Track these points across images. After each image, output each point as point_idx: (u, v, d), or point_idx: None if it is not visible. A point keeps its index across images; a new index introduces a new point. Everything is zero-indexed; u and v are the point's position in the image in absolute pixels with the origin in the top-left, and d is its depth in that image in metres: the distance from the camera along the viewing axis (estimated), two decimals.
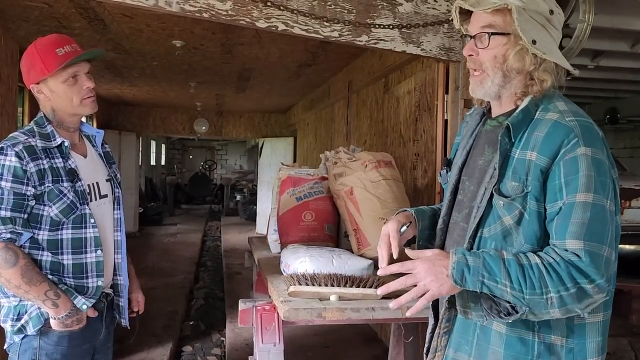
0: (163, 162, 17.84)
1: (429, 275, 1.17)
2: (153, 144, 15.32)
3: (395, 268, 1.21)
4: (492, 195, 1.24)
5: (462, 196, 1.37)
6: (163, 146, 17.71)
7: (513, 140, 1.23)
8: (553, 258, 1.12)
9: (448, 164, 1.48)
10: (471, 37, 1.29)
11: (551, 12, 1.25)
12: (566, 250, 1.12)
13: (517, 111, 1.26)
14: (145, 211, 10.58)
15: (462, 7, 1.29)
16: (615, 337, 4.00)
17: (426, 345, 1.45)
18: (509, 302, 1.14)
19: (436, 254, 1.21)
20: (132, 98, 8.56)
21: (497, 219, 1.23)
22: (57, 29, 4.04)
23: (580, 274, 1.09)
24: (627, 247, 4.69)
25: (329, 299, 1.94)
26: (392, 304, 1.24)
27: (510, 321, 1.17)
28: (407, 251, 1.28)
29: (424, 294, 1.17)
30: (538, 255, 1.14)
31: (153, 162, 15.43)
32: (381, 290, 1.25)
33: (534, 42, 1.21)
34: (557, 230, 1.15)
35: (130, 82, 6.92)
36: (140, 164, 10.99)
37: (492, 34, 1.24)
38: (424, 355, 1.45)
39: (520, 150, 1.21)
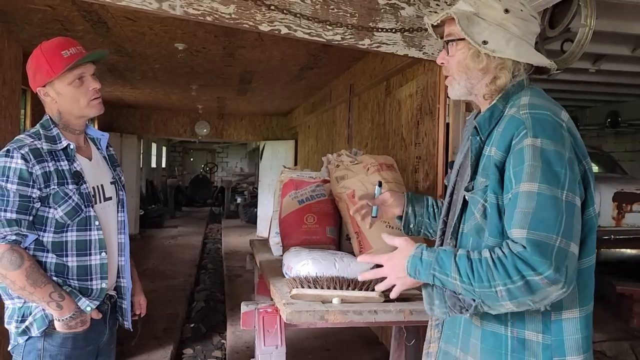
0: (164, 165, 17.85)
1: (392, 272, 1.29)
2: (154, 146, 15.33)
3: (368, 258, 1.37)
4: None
5: (455, 197, 1.41)
6: (164, 148, 17.72)
7: (484, 139, 1.28)
8: (503, 252, 1.13)
9: (452, 166, 1.53)
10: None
11: (506, 10, 1.29)
12: (515, 243, 1.12)
13: (485, 110, 1.32)
14: (145, 213, 10.58)
15: (431, 23, 1.40)
16: (616, 340, 4.00)
17: (427, 337, 1.50)
18: (472, 299, 1.17)
19: (401, 248, 1.29)
20: (133, 100, 8.57)
21: (471, 215, 1.27)
22: (60, 31, 4.05)
23: (525, 266, 1.08)
24: (629, 251, 4.68)
25: (331, 302, 1.94)
26: (360, 276, 1.38)
27: (468, 315, 1.20)
28: (383, 236, 1.38)
29: (393, 287, 1.31)
30: (491, 250, 1.16)
31: (154, 165, 15.44)
32: (362, 276, 1.37)
33: (484, 42, 1.27)
34: (506, 221, 1.17)
35: (132, 85, 6.93)
36: (141, 166, 11.00)
37: (449, 41, 1.34)
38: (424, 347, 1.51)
39: (489, 147, 1.26)
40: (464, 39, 1.30)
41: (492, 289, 1.12)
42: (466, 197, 1.28)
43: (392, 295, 1.34)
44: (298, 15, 2.36)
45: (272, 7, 2.32)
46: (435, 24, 1.37)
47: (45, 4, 3.45)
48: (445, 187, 1.51)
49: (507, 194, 1.18)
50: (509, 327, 1.22)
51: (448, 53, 1.35)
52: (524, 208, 1.13)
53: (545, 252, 1.09)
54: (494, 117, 1.29)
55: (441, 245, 1.45)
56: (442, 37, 1.41)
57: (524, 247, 1.10)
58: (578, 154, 1.21)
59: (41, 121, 1.72)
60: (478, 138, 1.29)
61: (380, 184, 1.68)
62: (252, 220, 10.85)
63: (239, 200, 13.46)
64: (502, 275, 1.10)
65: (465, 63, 1.31)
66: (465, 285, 1.15)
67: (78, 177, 1.68)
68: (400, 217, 1.70)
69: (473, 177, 1.28)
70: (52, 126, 1.70)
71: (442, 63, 1.39)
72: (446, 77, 1.40)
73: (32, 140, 1.63)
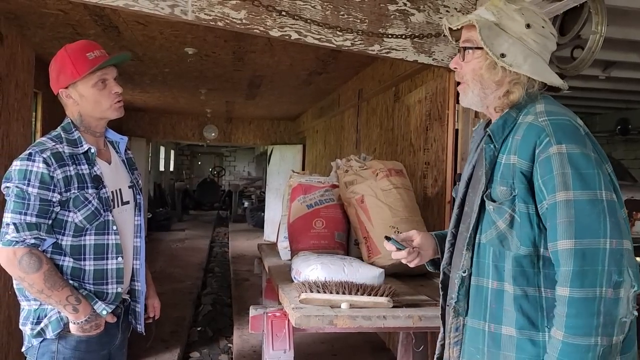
0: (172, 168, 17.92)
1: None
2: (162, 149, 15.40)
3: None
4: (483, 201, 1.27)
5: (467, 208, 1.39)
6: (172, 152, 17.80)
7: (497, 146, 1.27)
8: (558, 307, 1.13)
9: (459, 179, 1.51)
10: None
11: (528, 25, 1.28)
12: (560, 301, 1.12)
13: (498, 118, 1.31)
14: (153, 217, 10.64)
15: (447, 25, 1.37)
16: None
17: (436, 355, 1.45)
18: None
19: None
20: (142, 104, 8.63)
21: (492, 224, 1.25)
22: (72, 35, 4.10)
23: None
24: (638, 259, 4.65)
25: (340, 307, 1.94)
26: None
27: None
28: None
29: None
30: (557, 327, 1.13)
31: (162, 168, 15.51)
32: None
33: (502, 55, 1.26)
34: (549, 234, 1.17)
35: (141, 89, 6.99)
36: (149, 169, 11.06)
37: (466, 48, 1.32)
38: None
39: (505, 155, 1.25)
40: (481, 48, 1.28)
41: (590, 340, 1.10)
42: (491, 207, 1.25)
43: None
44: (308, 21, 2.38)
45: (283, 13, 2.34)
46: (455, 28, 1.34)
47: (57, 8, 3.50)
48: (454, 198, 1.48)
49: (540, 203, 1.18)
50: (547, 333, 1.19)
51: (463, 59, 1.33)
52: (566, 217, 1.13)
53: (596, 260, 1.09)
54: (507, 124, 1.28)
55: (451, 256, 1.42)
56: (457, 41, 1.39)
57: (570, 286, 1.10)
58: (600, 157, 1.20)
59: (62, 124, 1.73)
60: (492, 146, 1.28)
61: (387, 239, 1.51)
62: (259, 224, 10.87)
63: (246, 204, 13.49)
64: (592, 325, 1.09)
65: (481, 73, 1.30)
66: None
67: (98, 182, 1.68)
68: (432, 261, 1.58)
69: (488, 185, 1.26)
70: (73, 129, 1.71)
71: (455, 68, 1.37)
72: (458, 83, 1.38)
73: (54, 143, 1.64)
